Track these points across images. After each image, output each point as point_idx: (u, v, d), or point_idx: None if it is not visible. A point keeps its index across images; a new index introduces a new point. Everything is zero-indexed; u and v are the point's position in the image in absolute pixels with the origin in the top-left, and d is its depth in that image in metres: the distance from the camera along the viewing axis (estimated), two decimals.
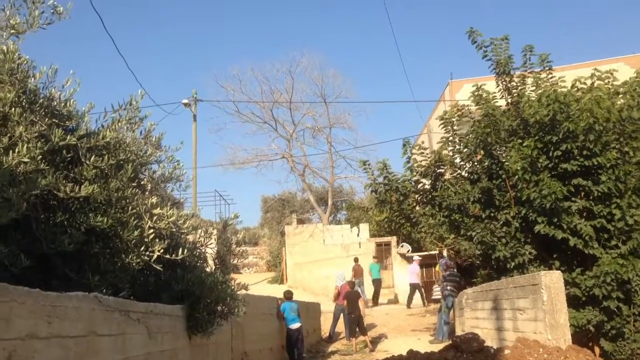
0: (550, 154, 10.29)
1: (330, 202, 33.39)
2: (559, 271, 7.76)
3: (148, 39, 73.39)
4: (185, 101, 24.71)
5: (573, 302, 9.66)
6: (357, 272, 22.47)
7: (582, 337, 9.84)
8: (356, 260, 23.17)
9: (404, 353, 7.94)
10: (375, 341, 15.17)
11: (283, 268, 28.61)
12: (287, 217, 35.54)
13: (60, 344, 3.11)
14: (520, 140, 10.56)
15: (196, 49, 75.23)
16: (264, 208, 41.74)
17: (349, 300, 14.80)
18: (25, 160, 4.03)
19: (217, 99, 35.55)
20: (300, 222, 30.28)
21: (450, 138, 12.59)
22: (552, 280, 7.32)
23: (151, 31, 74.07)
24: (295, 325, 12.50)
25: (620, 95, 11.22)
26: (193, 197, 23.53)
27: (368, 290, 22.86)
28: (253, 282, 19.05)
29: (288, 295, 13.04)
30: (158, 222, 4.95)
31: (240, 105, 33.48)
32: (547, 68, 11.48)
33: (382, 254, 25.81)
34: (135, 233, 4.75)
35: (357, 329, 14.65)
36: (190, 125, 25.15)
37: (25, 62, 4.67)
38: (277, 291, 17.50)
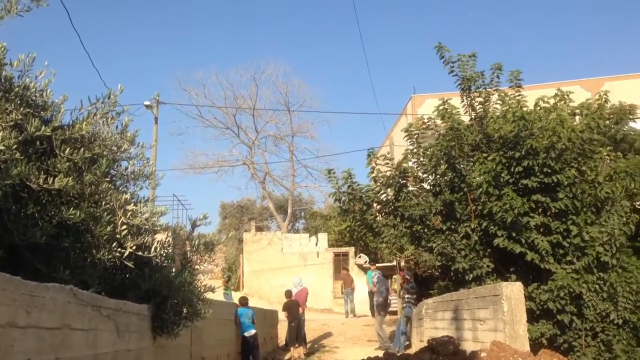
0: (512, 170, 10.57)
1: (289, 211, 33.39)
2: (520, 283, 7.95)
3: (113, 39, 72.14)
4: (147, 103, 24.33)
5: (528, 316, 9.85)
6: (347, 281, 22.42)
7: (535, 350, 10.09)
8: (345, 269, 23.11)
9: None
10: (332, 350, 15.21)
11: (240, 275, 28.41)
12: (246, 224, 35.37)
13: (37, 334, 3.04)
14: (484, 155, 10.81)
15: (161, 52, 74.32)
16: (222, 214, 41.41)
17: (289, 309, 14.81)
18: (1, 148, 3.94)
19: (180, 102, 35.16)
20: (259, 229, 30.17)
21: (414, 150, 12.78)
22: (513, 292, 7.50)
23: (116, 32, 72.85)
24: (251, 332, 12.43)
25: (577, 117, 11.65)
26: (151, 197, 23.15)
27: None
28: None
29: (243, 302, 12.95)
30: (132, 218, 4.89)
31: (202, 110, 33.33)
32: (516, 85, 11.81)
33: (340, 264, 25.91)
34: (108, 228, 4.68)
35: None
36: (151, 128, 24.79)
37: (1, 48, 4.56)
38: (234, 298, 17.37)
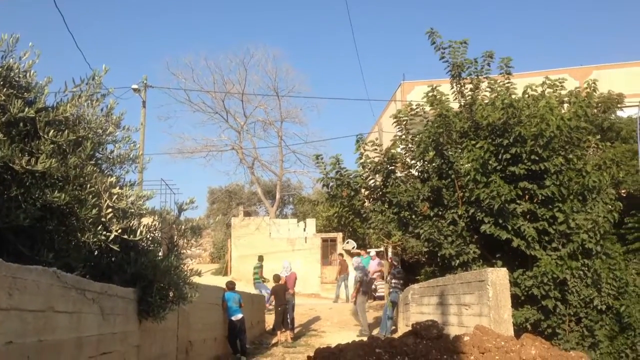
0: (500, 157, 10.60)
1: (278, 196, 33.31)
2: (505, 269, 8.02)
3: (101, 23, 71.27)
4: (135, 86, 24.04)
5: (513, 301, 9.94)
6: (343, 267, 22.55)
7: (519, 335, 10.20)
8: (341, 255, 23.22)
9: None
10: (319, 334, 15.29)
11: (228, 260, 28.40)
12: (234, 209, 35.30)
13: (19, 317, 3.02)
14: (473, 142, 10.83)
15: (149, 36, 73.55)
16: (210, 199, 41.29)
17: (276, 294, 14.85)
18: None
19: (168, 86, 34.80)
20: (247, 214, 30.11)
21: (403, 136, 12.77)
22: (498, 277, 7.57)
23: (103, 15, 71.93)
24: (237, 317, 12.45)
25: (565, 105, 11.70)
26: (139, 184, 23.03)
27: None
28: None
29: (230, 286, 12.95)
30: (117, 201, 4.85)
31: (191, 94, 32.96)
32: (506, 73, 11.80)
33: (328, 249, 25.98)
34: (93, 212, 4.65)
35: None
36: (139, 111, 24.58)
37: None
38: (221, 283, 17.32)
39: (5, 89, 4.41)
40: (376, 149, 13.00)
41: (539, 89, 11.51)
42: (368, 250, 22.52)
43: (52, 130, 4.58)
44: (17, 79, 4.71)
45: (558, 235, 10.44)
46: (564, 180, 10.43)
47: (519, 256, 10.75)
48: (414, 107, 12.76)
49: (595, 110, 13.15)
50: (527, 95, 11.39)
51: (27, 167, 4.20)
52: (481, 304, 7.75)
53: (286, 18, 73.12)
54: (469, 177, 10.59)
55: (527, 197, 10.71)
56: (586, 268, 10.31)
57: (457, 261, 10.88)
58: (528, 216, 10.63)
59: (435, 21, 76.80)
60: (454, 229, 11.11)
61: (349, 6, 70.72)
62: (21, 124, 4.53)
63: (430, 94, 12.19)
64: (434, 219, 11.38)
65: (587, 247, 10.24)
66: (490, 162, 10.56)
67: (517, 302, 10.22)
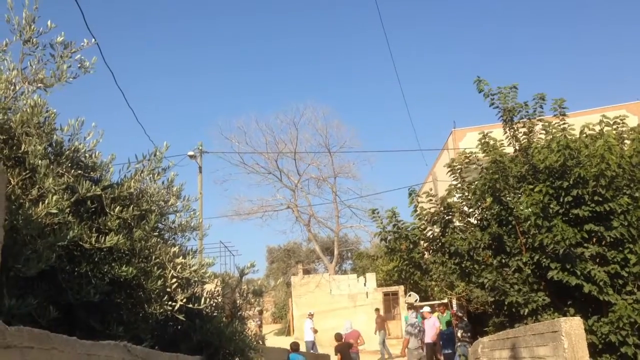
0: (561, 200, 10.30)
1: (336, 252, 33.21)
2: (579, 318, 7.66)
3: (153, 89, 74.71)
4: (191, 153, 24.90)
5: (590, 350, 9.44)
6: (380, 322, 22.34)
7: None
8: (377, 310, 22.99)
9: None
10: None
11: (289, 319, 28.25)
12: (293, 267, 35.34)
13: None
14: (530, 186, 10.59)
15: (201, 101, 76.43)
16: (269, 259, 41.56)
17: (341, 352, 14.60)
18: (54, 211, 4.08)
19: (222, 150, 35.82)
20: (306, 272, 30.10)
21: (458, 185, 12.61)
22: (572, 327, 7.23)
23: (156, 82, 75.43)
24: None
25: (627, 142, 11.33)
26: (199, 248, 23.43)
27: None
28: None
29: (295, 347, 12.91)
30: (181, 271, 4.96)
31: (245, 157, 33.81)
32: (560, 114, 11.58)
33: (390, 303, 25.53)
34: (159, 283, 4.75)
35: None
36: (195, 177, 25.31)
37: (52, 115, 4.78)
38: (284, 343, 17.25)
39: (73, 170, 4.64)
40: (431, 200, 12.86)
41: (597, 128, 11.23)
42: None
43: (118, 206, 4.77)
44: (83, 159, 4.95)
45: (632, 278, 9.94)
46: (632, 220, 10.00)
47: (592, 302, 10.25)
48: (467, 154, 12.64)
49: None
50: (584, 135, 11.12)
51: (96, 244, 4.36)
52: (556, 355, 7.40)
53: (333, 72, 74.70)
54: (529, 222, 10.31)
55: (594, 239, 10.30)
56: None
57: (526, 310, 10.44)
58: (598, 260, 10.20)
59: (483, 66, 76.76)
60: (520, 276, 10.73)
61: (394, 57, 71.71)
62: (89, 202, 4.73)
63: (482, 141, 12.07)
64: (497, 267, 11.04)
65: None
66: (551, 205, 10.27)
67: (595, 352, 9.69)
